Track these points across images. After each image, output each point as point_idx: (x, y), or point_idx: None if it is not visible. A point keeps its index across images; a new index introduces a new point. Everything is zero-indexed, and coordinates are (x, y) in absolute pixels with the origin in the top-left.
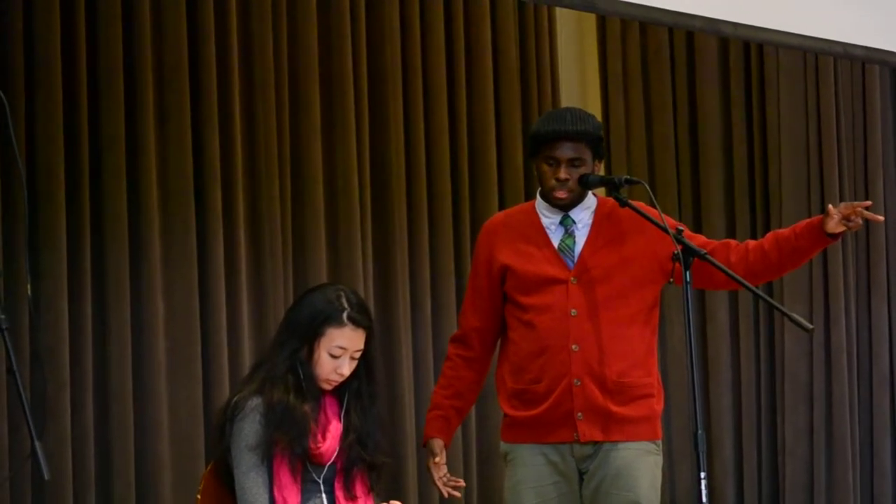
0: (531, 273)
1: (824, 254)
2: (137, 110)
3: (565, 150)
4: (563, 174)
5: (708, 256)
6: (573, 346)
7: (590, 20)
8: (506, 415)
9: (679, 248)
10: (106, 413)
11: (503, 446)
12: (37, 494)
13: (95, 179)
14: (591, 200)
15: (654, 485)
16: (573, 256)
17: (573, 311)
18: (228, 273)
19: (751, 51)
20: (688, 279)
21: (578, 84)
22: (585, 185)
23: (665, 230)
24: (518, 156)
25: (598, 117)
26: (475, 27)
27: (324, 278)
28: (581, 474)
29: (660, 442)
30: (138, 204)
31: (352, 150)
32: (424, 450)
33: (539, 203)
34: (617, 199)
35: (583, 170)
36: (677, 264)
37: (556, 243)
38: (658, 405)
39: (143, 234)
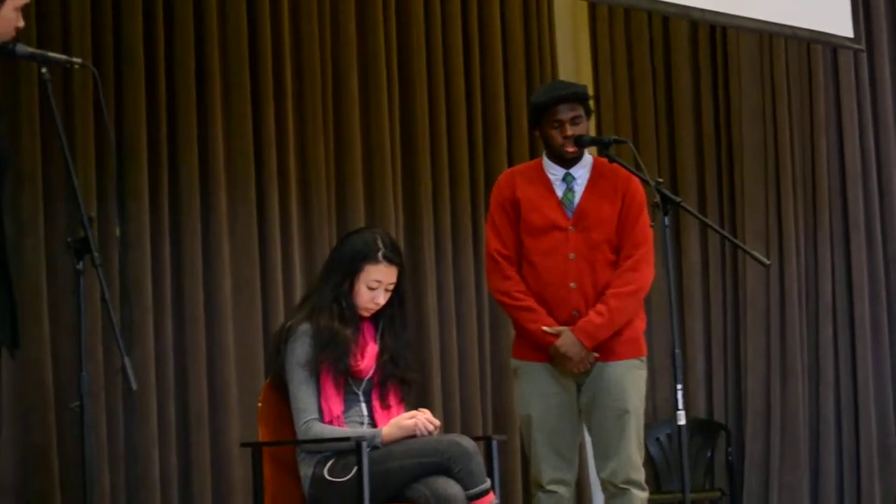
0: (538, 218)
1: (777, 201)
2: (206, 82)
3: (566, 112)
4: (568, 131)
5: (684, 204)
6: (571, 284)
7: (582, 7)
8: (517, 335)
9: (659, 197)
10: (182, 335)
11: (513, 362)
12: (127, 403)
13: (172, 140)
14: (587, 159)
15: (639, 395)
16: (572, 207)
17: (571, 254)
18: (283, 219)
19: (716, 33)
20: (665, 223)
21: (573, 61)
22: (580, 144)
23: (647, 181)
24: (523, 122)
25: (590, 89)
26: (486, 13)
27: (362, 223)
28: (578, 387)
29: (644, 358)
30: (207, 160)
31: (384, 115)
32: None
33: (546, 161)
34: (607, 156)
35: (581, 126)
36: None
37: (559, 195)
38: (641, 325)
39: (211, 187)
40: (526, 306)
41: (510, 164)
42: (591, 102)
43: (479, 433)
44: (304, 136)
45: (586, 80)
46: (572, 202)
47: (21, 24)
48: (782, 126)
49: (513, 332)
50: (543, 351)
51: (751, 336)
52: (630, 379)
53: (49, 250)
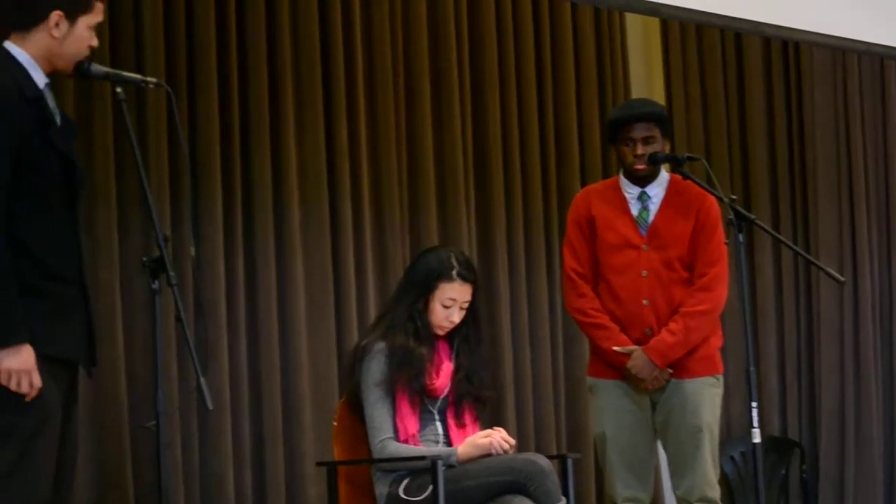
0: (612, 236)
1: (851, 217)
2: (279, 101)
3: (639, 130)
4: (640, 150)
5: (757, 221)
6: (644, 302)
7: (654, 24)
8: (592, 353)
9: (733, 214)
10: (256, 354)
11: (589, 380)
12: (201, 422)
13: (245, 159)
14: (663, 177)
15: (714, 412)
16: (647, 225)
17: (644, 272)
18: (356, 238)
19: (789, 48)
20: (740, 240)
21: (645, 78)
22: (654, 161)
23: (720, 198)
24: (596, 138)
25: (663, 104)
26: (559, 31)
27: (435, 242)
28: (653, 404)
29: (720, 375)
30: (280, 179)
31: (457, 133)
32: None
33: (622, 180)
34: (680, 173)
35: (655, 146)
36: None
37: (634, 213)
38: (717, 343)
39: (285, 206)
40: (599, 324)
41: (583, 182)
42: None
43: (553, 451)
44: (377, 155)
45: (658, 96)
46: (647, 220)
47: (95, 42)
48: (855, 141)
49: (587, 350)
50: (618, 368)
51: (825, 352)
52: (705, 396)
53: (123, 270)
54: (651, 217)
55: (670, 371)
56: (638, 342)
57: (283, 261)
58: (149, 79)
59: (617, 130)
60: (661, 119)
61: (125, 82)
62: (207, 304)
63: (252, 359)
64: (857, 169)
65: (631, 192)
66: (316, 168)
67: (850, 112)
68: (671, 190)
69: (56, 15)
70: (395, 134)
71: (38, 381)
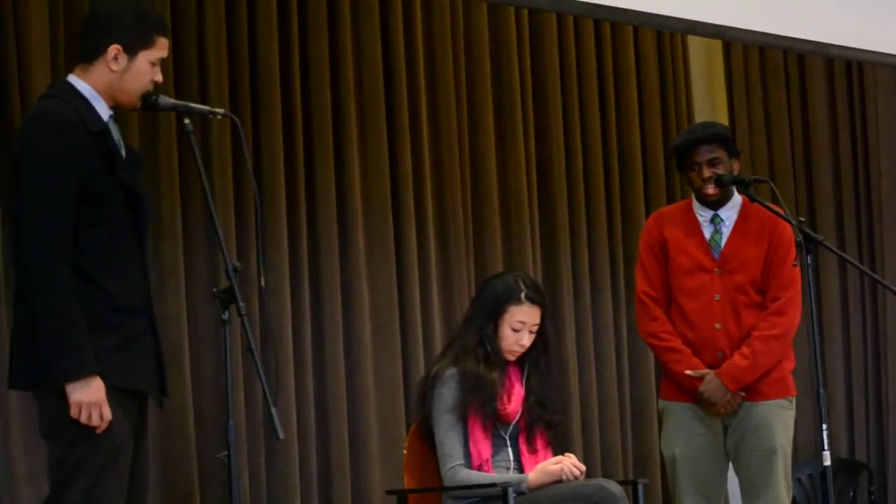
0: (685, 260)
1: None
2: (343, 128)
3: (703, 153)
4: (706, 173)
5: (825, 243)
6: (717, 325)
7: (717, 46)
8: (664, 377)
9: (801, 236)
10: (323, 384)
11: (660, 403)
12: (269, 453)
13: (310, 188)
14: (736, 200)
15: (787, 435)
16: (719, 249)
17: (717, 296)
18: (421, 264)
19: (852, 67)
20: (808, 262)
21: (708, 100)
22: (720, 184)
23: (788, 220)
24: (660, 161)
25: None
26: (621, 53)
27: (500, 266)
28: (725, 427)
29: (793, 398)
30: (345, 207)
31: (520, 157)
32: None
33: (694, 203)
34: (747, 195)
35: (721, 168)
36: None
37: (707, 237)
38: (789, 365)
39: (350, 233)
40: (671, 347)
41: (647, 205)
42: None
43: (620, 476)
44: (440, 181)
45: (722, 118)
46: (719, 244)
47: (159, 78)
48: None
49: (652, 373)
50: (690, 392)
51: (892, 374)
52: (777, 418)
53: (190, 301)
54: (724, 241)
55: (742, 395)
56: (710, 366)
57: (349, 289)
58: (216, 110)
59: (682, 156)
60: (724, 139)
61: (192, 114)
62: (275, 335)
63: (318, 388)
64: None
65: (703, 215)
66: (380, 195)
67: None
68: (743, 213)
69: (114, 49)
70: (459, 159)
71: (108, 413)
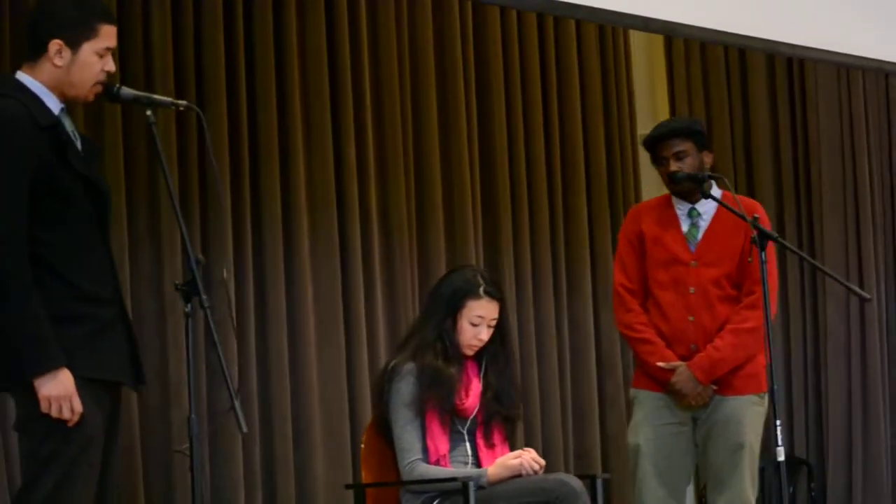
0: (660, 252)
1: (857, 234)
2: (287, 123)
3: (668, 147)
4: (672, 167)
5: (780, 239)
6: (690, 318)
7: (658, 41)
8: (637, 366)
9: (755, 232)
10: (267, 378)
11: (632, 391)
12: (213, 447)
13: (254, 183)
14: (714, 194)
15: (756, 431)
16: (696, 242)
17: (692, 288)
18: (365, 260)
19: (793, 65)
20: (763, 259)
21: (649, 96)
22: (674, 180)
23: (743, 217)
24: (601, 158)
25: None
26: (563, 49)
27: (443, 263)
28: (694, 420)
29: (765, 394)
30: (289, 202)
31: (464, 154)
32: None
33: (673, 197)
34: (702, 192)
35: (688, 160)
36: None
37: (684, 230)
38: (763, 361)
39: (294, 229)
40: (645, 339)
41: (588, 202)
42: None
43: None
44: (384, 176)
45: (663, 114)
46: (696, 237)
47: (110, 67)
48: (861, 159)
49: (594, 370)
50: (662, 383)
51: (832, 369)
52: (748, 414)
53: (134, 295)
54: (700, 234)
55: (714, 388)
56: (683, 358)
57: (293, 284)
58: (179, 102)
59: (652, 151)
60: (691, 133)
61: (156, 105)
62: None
63: (262, 382)
64: (863, 186)
65: (681, 208)
66: (325, 189)
67: (855, 129)
68: (721, 207)
69: (56, 44)
70: (403, 155)
71: (78, 406)
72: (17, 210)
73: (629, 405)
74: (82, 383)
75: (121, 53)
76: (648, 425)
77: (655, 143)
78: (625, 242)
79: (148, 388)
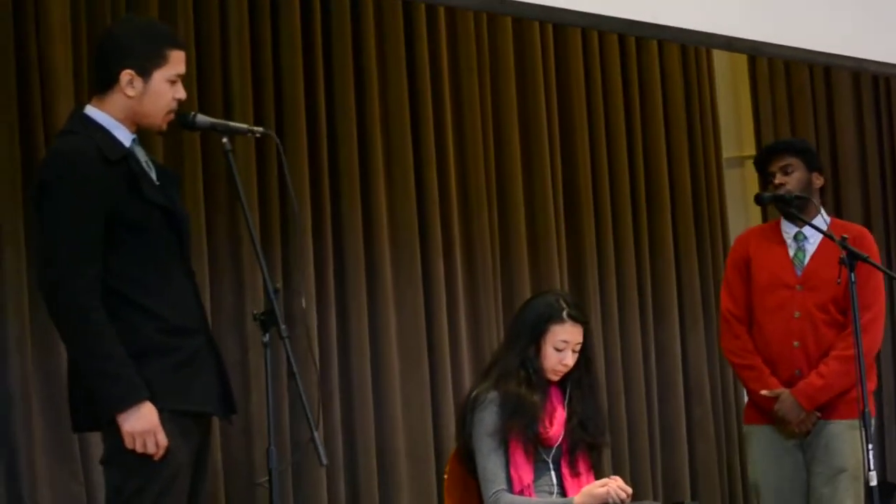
0: (766, 276)
1: None
2: (368, 154)
3: (774, 163)
4: (778, 180)
5: (870, 260)
6: (795, 343)
7: (741, 61)
8: (748, 400)
9: (843, 252)
10: (350, 411)
11: (745, 428)
12: (297, 480)
13: (336, 215)
14: (823, 218)
15: (858, 455)
16: (802, 266)
17: (796, 313)
18: (448, 291)
19: (879, 83)
20: (853, 279)
21: (734, 118)
22: (760, 202)
23: (831, 237)
24: (686, 180)
25: (752, 147)
26: (646, 71)
27: (527, 292)
28: (802, 446)
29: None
30: (371, 234)
31: (547, 181)
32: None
33: (782, 220)
34: (787, 213)
35: (796, 175)
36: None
37: (791, 253)
38: (870, 386)
39: (376, 260)
40: (749, 365)
41: (674, 226)
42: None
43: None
44: (467, 206)
45: (748, 135)
46: (802, 261)
47: (181, 95)
48: None
49: (682, 398)
50: (766, 412)
51: None
52: (849, 438)
53: (215, 325)
54: (807, 258)
55: (818, 414)
56: (787, 384)
57: (376, 316)
58: (256, 128)
59: (760, 172)
60: (797, 150)
61: (232, 133)
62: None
63: (346, 415)
64: None
65: (788, 232)
66: (407, 220)
67: None
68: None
69: (127, 74)
70: (486, 184)
71: (163, 440)
72: (89, 245)
73: (741, 439)
74: (168, 416)
75: (199, 82)
76: (763, 461)
77: (764, 160)
78: (731, 268)
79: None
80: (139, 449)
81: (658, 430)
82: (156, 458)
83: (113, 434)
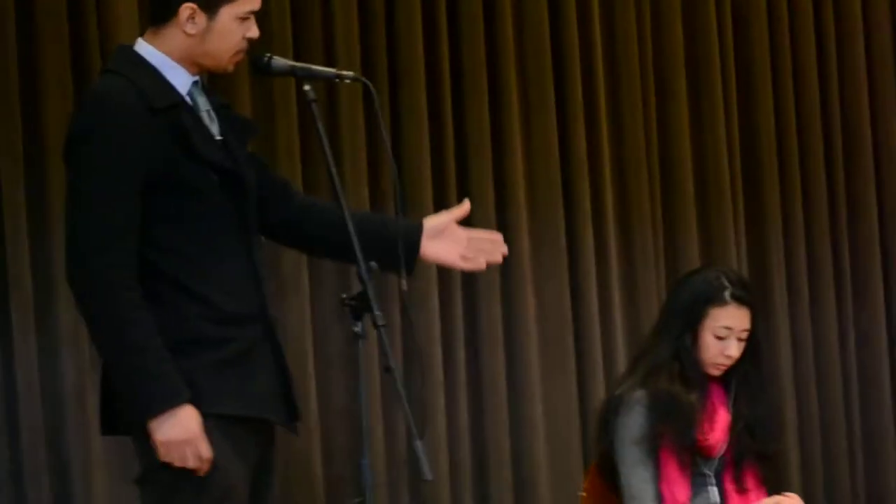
0: None
1: None
2: (502, 109)
3: None
4: None
5: None
6: None
7: None
8: None
9: None
10: (480, 413)
11: None
12: (413, 496)
13: (461, 176)
14: None
15: None
16: None
17: None
18: (599, 268)
19: None
20: None
21: None
22: None
23: None
24: (892, 136)
25: None
26: (846, 6)
27: (696, 265)
28: None
29: None
30: (505, 199)
31: (720, 136)
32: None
33: None
34: None
35: None
36: None
37: None
38: None
39: (511, 232)
40: None
41: (878, 187)
42: None
43: None
44: (622, 167)
45: None
46: None
47: (253, 33)
48: None
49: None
50: None
51: None
52: None
53: (316, 314)
54: None
55: None
56: None
57: (511, 298)
58: (344, 73)
59: None
60: None
61: (316, 78)
62: (419, 354)
63: (475, 419)
64: None
65: None
66: (549, 186)
67: None
68: None
69: (188, 8)
70: (646, 141)
71: (206, 451)
72: (122, 214)
73: None
74: (216, 422)
75: (294, 19)
76: None
77: None
78: None
79: (333, 429)
80: (176, 462)
81: (859, 434)
82: (199, 473)
83: (146, 445)
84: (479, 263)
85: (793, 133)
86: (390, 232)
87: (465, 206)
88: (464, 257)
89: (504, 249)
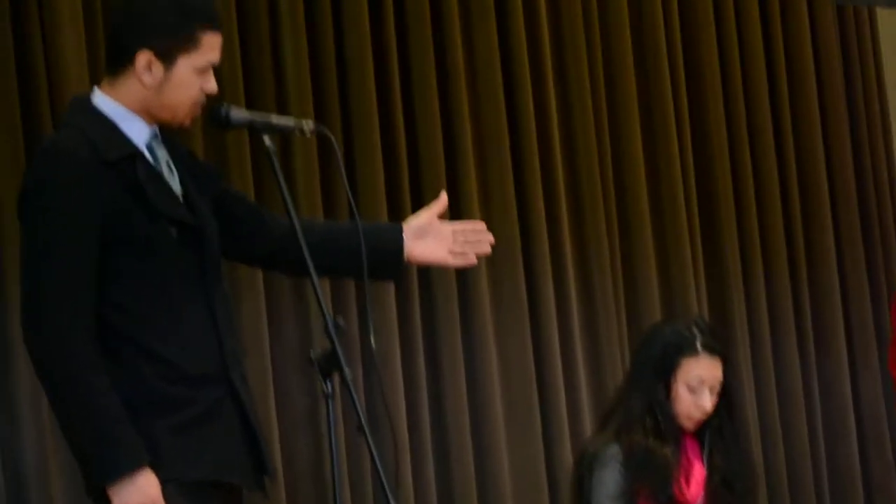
0: None
1: None
2: (457, 157)
3: None
4: None
5: None
6: None
7: None
8: None
9: None
10: (447, 472)
11: None
12: None
13: None
14: None
15: None
16: None
17: None
18: (560, 321)
19: None
20: None
21: None
22: None
23: None
24: (850, 172)
25: None
26: (793, 36)
27: (657, 318)
28: None
29: None
30: None
31: (678, 188)
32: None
33: None
34: None
35: None
36: None
37: None
38: None
39: (472, 286)
40: None
41: (836, 237)
42: None
43: None
44: (580, 215)
45: None
46: None
47: (211, 88)
48: None
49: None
50: None
51: None
52: None
53: (277, 372)
54: None
55: None
56: None
57: (473, 355)
58: (305, 122)
59: None
60: None
61: (274, 130)
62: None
63: (441, 477)
64: None
65: None
66: (507, 237)
67: None
68: None
69: (144, 56)
70: (603, 194)
71: None
72: (77, 270)
73: None
74: (175, 488)
75: (245, 68)
76: None
77: None
78: None
79: (299, 491)
80: None
81: (827, 490)
82: None
83: None
84: (469, 258)
85: (748, 178)
86: (370, 241)
87: (442, 200)
88: (452, 253)
89: (490, 238)
